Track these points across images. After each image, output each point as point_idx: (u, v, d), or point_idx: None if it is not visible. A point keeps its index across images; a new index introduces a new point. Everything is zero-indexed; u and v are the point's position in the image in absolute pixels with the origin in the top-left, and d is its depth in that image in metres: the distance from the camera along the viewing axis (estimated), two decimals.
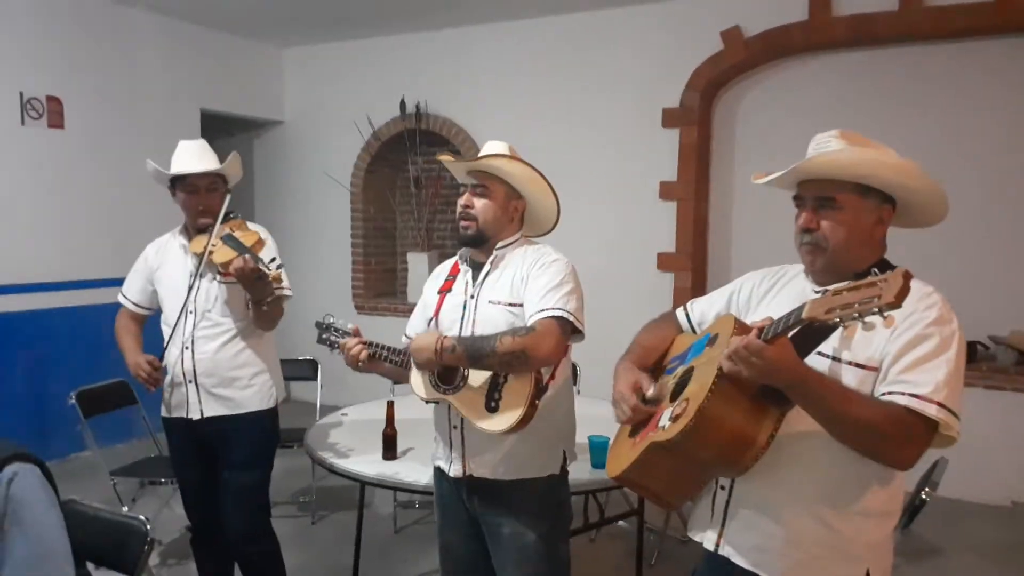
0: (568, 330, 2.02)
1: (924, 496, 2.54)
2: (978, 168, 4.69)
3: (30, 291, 4.96)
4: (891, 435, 1.41)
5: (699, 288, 5.30)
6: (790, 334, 1.41)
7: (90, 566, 2.10)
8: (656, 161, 5.32)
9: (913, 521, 2.52)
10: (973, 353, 4.60)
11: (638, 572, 3.33)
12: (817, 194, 1.56)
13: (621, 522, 3.72)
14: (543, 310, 2.00)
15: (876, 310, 1.22)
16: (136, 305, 2.88)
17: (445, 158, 2.28)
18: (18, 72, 4.85)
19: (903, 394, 1.42)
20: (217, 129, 6.37)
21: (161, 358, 2.67)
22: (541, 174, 2.14)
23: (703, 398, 1.43)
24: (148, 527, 2.03)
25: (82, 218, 5.22)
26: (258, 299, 2.57)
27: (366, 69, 6.36)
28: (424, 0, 5.33)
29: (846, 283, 1.30)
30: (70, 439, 4.03)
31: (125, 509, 3.39)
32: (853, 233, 1.53)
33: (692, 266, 5.29)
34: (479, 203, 2.13)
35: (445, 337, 2.03)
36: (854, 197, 1.53)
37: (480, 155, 2.16)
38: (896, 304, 1.21)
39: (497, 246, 2.17)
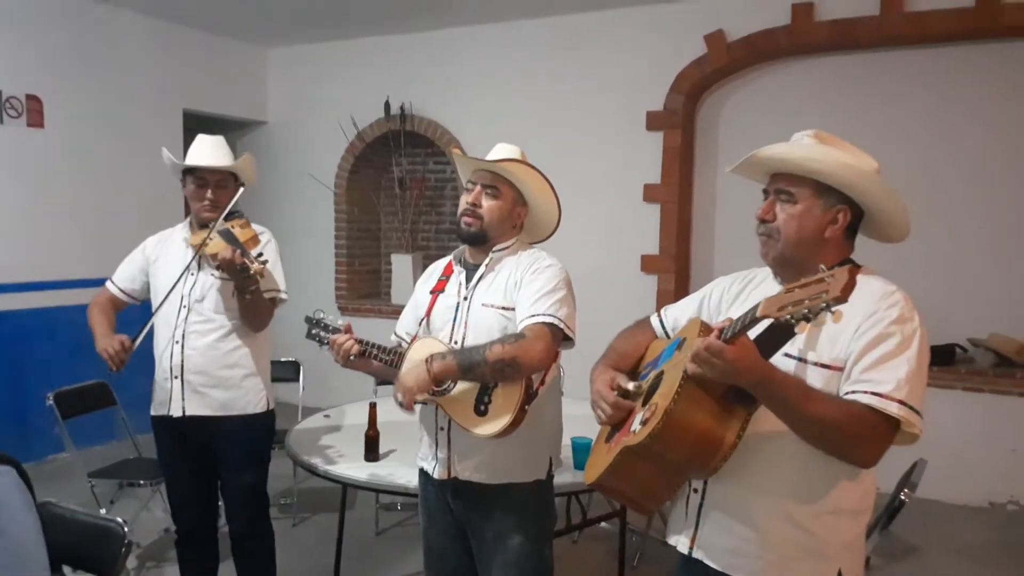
0: (559, 337, 2.02)
1: (903, 497, 2.55)
2: (959, 172, 4.74)
3: (8, 291, 4.90)
4: (853, 433, 1.43)
5: (682, 290, 5.32)
6: (754, 334, 1.43)
7: (66, 569, 2.07)
8: (640, 164, 5.34)
9: (892, 522, 2.53)
10: (952, 355, 4.65)
11: (620, 573, 3.32)
12: (778, 186, 1.60)
13: (603, 524, 3.72)
14: (534, 315, 1.99)
15: (824, 305, 1.23)
16: (120, 290, 2.84)
17: (456, 152, 2.28)
18: None
19: (865, 392, 1.43)
20: (200, 129, 6.25)
21: (133, 339, 2.59)
22: (551, 184, 2.14)
23: (669, 400, 1.45)
24: (126, 529, 2.01)
25: (61, 218, 5.16)
26: (239, 288, 2.55)
27: (351, 70, 6.34)
28: (410, 2, 5.32)
29: (799, 281, 1.32)
30: (48, 441, 3.99)
31: (103, 511, 3.36)
32: (804, 228, 1.56)
33: (675, 268, 5.31)
34: (488, 203, 2.12)
35: (434, 355, 2.00)
36: (809, 192, 1.56)
37: (493, 157, 2.15)
38: (842, 298, 1.22)
39: (494, 249, 2.16)
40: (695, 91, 5.25)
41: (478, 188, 2.13)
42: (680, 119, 5.22)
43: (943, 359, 4.54)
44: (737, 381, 1.42)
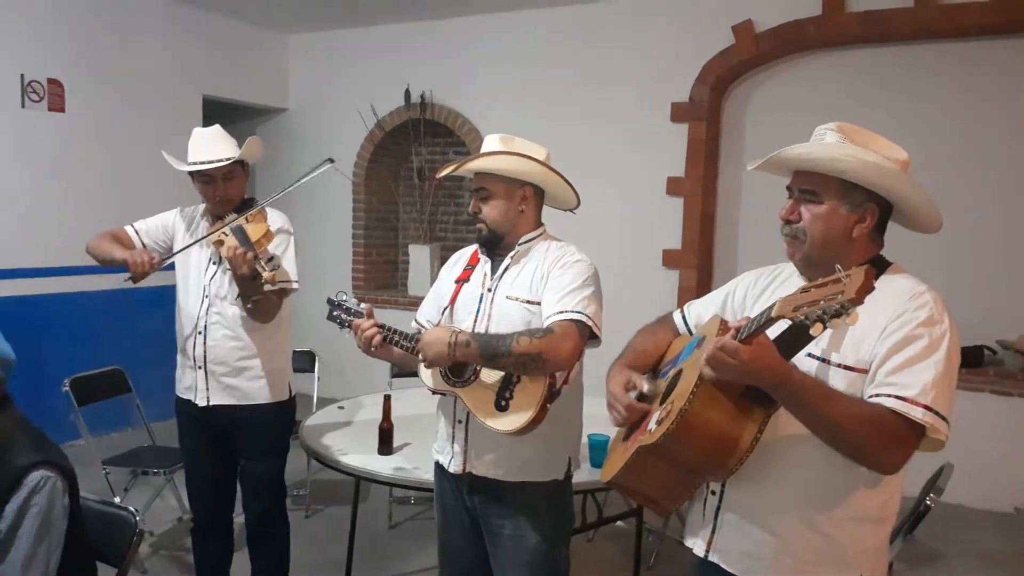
0: (586, 335, 1.96)
1: (928, 503, 2.48)
2: (991, 169, 4.62)
3: (26, 276, 4.91)
4: (874, 438, 1.38)
5: (704, 286, 5.24)
6: (774, 333, 1.39)
7: None
8: (664, 156, 5.26)
9: (916, 528, 2.46)
10: (980, 357, 4.54)
11: (635, 573, 3.28)
12: (802, 186, 1.55)
13: (619, 522, 3.67)
14: (562, 312, 1.94)
15: (838, 306, 1.19)
16: (139, 238, 2.79)
17: (444, 172, 2.18)
18: (19, 54, 4.80)
19: (889, 396, 1.39)
20: (220, 116, 6.27)
21: (162, 259, 2.58)
22: (538, 160, 2.04)
23: (685, 400, 1.42)
24: (138, 519, 2.00)
25: (81, 203, 5.16)
26: (244, 294, 2.53)
27: (371, 58, 6.30)
28: None
29: (816, 281, 1.28)
30: (63, 427, 3.98)
31: (117, 499, 3.36)
32: (830, 228, 1.51)
33: (698, 263, 5.23)
34: (484, 208, 2.09)
35: (460, 332, 1.97)
36: (834, 192, 1.51)
37: (475, 154, 2.10)
38: (857, 300, 1.18)
39: (520, 241, 2.11)
40: (721, 83, 5.16)
41: (474, 194, 2.10)
42: (705, 111, 5.12)
43: (971, 361, 4.44)
44: (753, 381, 1.38)
